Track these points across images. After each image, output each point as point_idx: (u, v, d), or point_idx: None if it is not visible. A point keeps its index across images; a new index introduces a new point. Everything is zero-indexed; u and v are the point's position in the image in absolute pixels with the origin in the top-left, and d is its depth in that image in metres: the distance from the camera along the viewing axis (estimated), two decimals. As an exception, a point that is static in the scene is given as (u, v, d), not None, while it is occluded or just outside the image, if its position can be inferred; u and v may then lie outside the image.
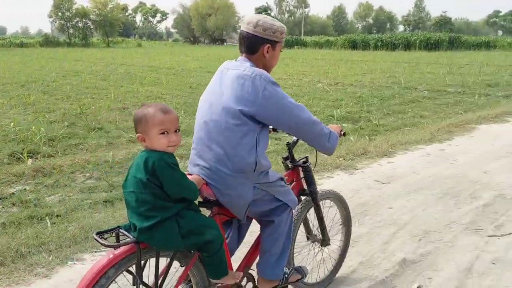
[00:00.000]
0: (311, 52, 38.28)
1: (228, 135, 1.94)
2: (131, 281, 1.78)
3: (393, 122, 7.94)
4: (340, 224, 2.91)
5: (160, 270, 1.85)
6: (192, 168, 2.07)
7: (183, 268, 1.92)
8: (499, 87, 12.50)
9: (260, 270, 2.25)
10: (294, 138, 2.48)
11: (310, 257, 2.80)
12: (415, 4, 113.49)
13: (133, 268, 1.76)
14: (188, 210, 1.81)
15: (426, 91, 11.70)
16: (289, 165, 2.51)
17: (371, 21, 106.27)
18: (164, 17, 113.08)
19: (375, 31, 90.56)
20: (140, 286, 1.76)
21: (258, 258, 2.29)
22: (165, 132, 1.72)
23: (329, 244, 2.74)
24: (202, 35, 79.83)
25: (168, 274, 1.90)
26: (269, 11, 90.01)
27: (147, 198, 1.69)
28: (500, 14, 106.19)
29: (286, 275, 2.32)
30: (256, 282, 2.33)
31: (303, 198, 2.56)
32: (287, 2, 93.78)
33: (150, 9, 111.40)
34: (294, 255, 2.58)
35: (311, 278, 2.72)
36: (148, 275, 1.79)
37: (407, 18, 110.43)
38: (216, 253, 1.89)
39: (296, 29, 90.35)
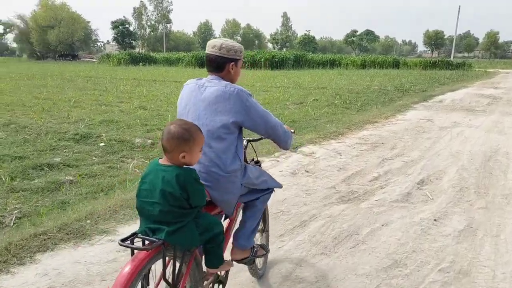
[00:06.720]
0: (153, 70, 33.22)
1: (219, 142, 2.25)
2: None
3: None
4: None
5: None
6: None
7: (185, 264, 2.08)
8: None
9: (236, 241, 2.61)
10: (254, 137, 2.87)
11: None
12: (282, 23, 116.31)
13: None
14: (201, 212, 2.03)
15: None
16: None
17: (239, 38, 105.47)
18: (7, 30, 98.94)
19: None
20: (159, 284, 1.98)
21: (235, 228, 2.65)
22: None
23: (268, 231, 3.18)
24: (44, 50, 69.95)
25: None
26: (127, 25, 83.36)
27: (174, 209, 1.86)
28: (357, 33, 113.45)
29: (255, 249, 2.68)
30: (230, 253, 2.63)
31: None
32: (148, 16, 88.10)
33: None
34: None
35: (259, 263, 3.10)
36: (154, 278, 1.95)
37: (275, 36, 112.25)
38: (221, 243, 2.14)
39: (158, 45, 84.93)
